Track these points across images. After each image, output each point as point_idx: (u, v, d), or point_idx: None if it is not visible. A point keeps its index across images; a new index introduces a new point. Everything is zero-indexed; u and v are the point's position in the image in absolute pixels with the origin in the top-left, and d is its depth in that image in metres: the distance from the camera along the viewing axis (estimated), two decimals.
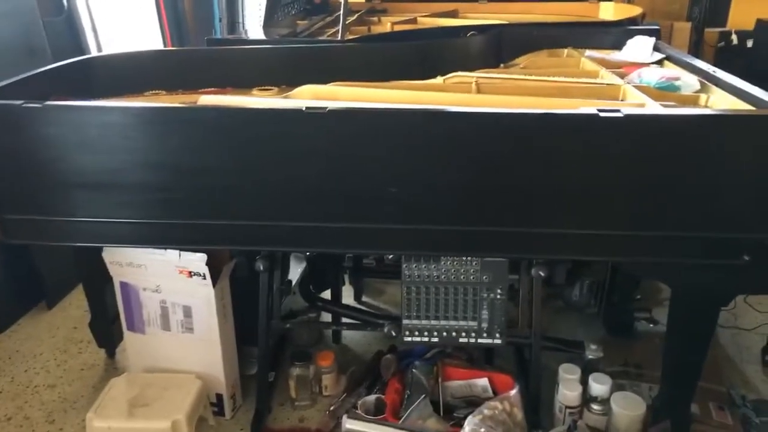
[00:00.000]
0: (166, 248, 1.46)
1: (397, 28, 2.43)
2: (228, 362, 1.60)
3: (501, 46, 2.12)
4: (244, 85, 1.77)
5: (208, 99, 1.52)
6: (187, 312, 1.55)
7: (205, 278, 1.47)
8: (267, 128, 1.24)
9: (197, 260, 1.45)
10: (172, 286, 1.52)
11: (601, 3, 2.64)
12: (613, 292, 1.89)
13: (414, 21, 2.56)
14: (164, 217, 1.32)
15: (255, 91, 1.72)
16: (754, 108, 1.31)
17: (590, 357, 1.63)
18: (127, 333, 1.65)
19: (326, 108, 1.20)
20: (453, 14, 2.69)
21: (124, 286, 1.59)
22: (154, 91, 1.68)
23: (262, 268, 1.50)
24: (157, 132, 1.26)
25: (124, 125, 1.25)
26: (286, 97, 1.58)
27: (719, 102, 1.47)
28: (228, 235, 1.34)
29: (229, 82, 1.78)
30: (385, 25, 2.52)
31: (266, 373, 1.62)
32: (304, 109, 1.20)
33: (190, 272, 1.48)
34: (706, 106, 1.50)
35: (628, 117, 1.15)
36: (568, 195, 1.23)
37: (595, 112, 1.15)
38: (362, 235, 1.32)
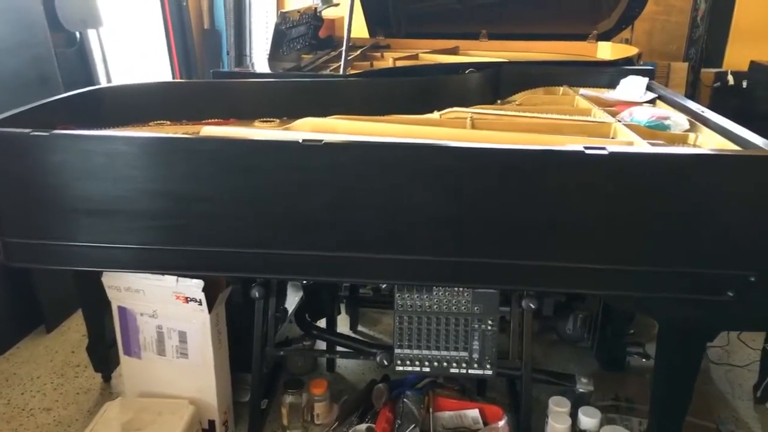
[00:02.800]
0: (164, 274, 1.49)
1: (399, 63, 2.51)
2: (221, 388, 1.62)
3: (499, 83, 2.18)
4: (247, 116, 1.82)
5: (210, 130, 1.57)
6: (183, 337, 1.57)
7: (201, 304, 1.50)
8: (264, 159, 1.29)
9: (194, 286, 1.49)
10: (168, 311, 1.55)
11: (599, 43, 2.70)
12: (606, 326, 1.91)
13: (416, 57, 2.63)
14: (163, 243, 1.36)
15: (257, 123, 1.77)
16: (740, 148, 1.35)
17: (581, 390, 1.64)
18: (123, 357, 1.67)
19: (322, 140, 1.25)
20: (454, 51, 2.76)
21: (122, 310, 1.62)
22: (159, 122, 1.74)
23: (257, 295, 1.53)
24: (160, 161, 1.31)
25: (128, 154, 1.30)
26: (286, 129, 1.63)
27: (707, 141, 1.51)
28: (224, 262, 1.38)
29: (232, 114, 1.83)
30: (388, 60, 2.60)
31: (259, 400, 1.64)
32: (300, 140, 1.25)
33: (186, 298, 1.51)
34: (694, 145, 1.54)
35: (612, 154, 1.19)
36: (557, 229, 1.26)
37: (581, 149, 1.19)
38: (356, 265, 1.35)
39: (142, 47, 2.97)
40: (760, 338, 1.95)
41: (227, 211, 1.32)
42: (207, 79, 2.30)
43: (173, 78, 2.98)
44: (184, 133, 1.54)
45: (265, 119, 1.79)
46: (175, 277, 1.49)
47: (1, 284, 2.06)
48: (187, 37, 3.03)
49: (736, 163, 1.23)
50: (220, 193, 1.31)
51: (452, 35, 2.82)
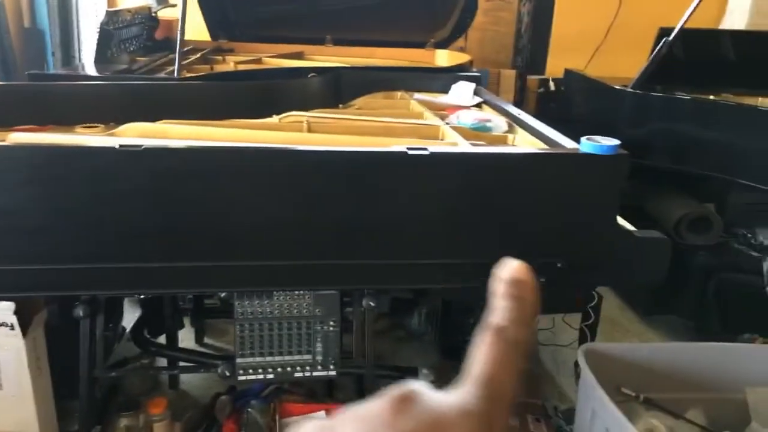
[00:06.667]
0: None
1: (241, 67, 2.46)
2: (45, 419, 1.48)
3: (340, 88, 2.21)
4: (67, 122, 1.68)
5: (19, 137, 1.43)
6: None
7: (13, 329, 1.37)
8: (79, 166, 1.20)
9: (4, 309, 1.35)
10: None
11: (437, 50, 2.85)
12: (446, 318, 2.01)
13: (259, 61, 2.60)
14: None
15: (78, 129, 1.64)
16: (547, 147, 1.48)
17: (422, 381, 1.71)
18: None
19: (141, 146, 1.19)
20: (298, 56, 2.76)
21: None
22: None
23: (81, 314, 1.42)
24: None
25: None
26: (110, 135, 1.53)
27: (522, 141, 1.64)
28: (39, 281, 1.26)
29: (51, 120, 1.68)
30: (229, 64, 2.54)
31: (89, 427, 1.52)
32: (117, 146, 1.18)
33: None
34: (512, 145, 1.67)
35: (433, 154, 1.25)
36: (389, 227, 1.31)
37: (404, 149, 1.24)
38: (187, 274, 1.30)
39: None
40: (579, 319, 2.16)
41: (38, 224, 1.21)
42: (22, 81, 2.10)
43: None
44: None
45: (88, 125, 1.67)
46: None
47: None
48: (4, 36, 2.75)
49: (543, 160, 1.36)
50: (29, 204, 1.20)
51: (298, 40, 2.82)
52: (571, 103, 2.74)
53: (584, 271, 1.36)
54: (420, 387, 0.31)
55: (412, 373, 1.74)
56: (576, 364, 1.96)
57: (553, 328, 2.15)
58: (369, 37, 2.84)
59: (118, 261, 1.26)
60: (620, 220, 1.39)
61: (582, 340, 1.84)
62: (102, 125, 1.68)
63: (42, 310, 1.44)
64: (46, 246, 1.23)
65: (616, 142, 1.31)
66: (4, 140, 1.43)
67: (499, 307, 0.32)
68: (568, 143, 1.42)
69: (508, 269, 0.34)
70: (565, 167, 1.35)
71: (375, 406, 0.29)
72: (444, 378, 1.61)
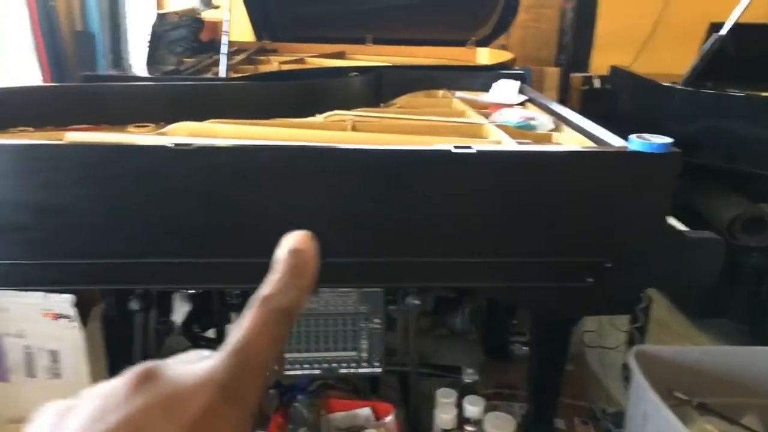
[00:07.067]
0: (28, 290, 1.39)
1: (284, 67, 2.49)
2: None
3: (381, 87, 2.22)
4: (120, 122, 1.74)
5: (75, 136, 1.49)
6: (54, 357, 1.48)
7: (72, 320, 1.42)
8: (132, 164, 1.24)
9: (63, 302, 1.40)
10: (36, 329, 1.45)
11: (479, 49, 2.83)
12: (491, 318, 2.00)
13: (302, 61, 2.63)
14: (25, 257, 1.27)
15: (130, 128, 1.70)
16: (594, 145, 1.46)
17: (466, 380, 1.71)
18: None
19: (193, 144, 1.22)
20: (340, 55, 2.79)
21: None
22: (20, 129, 1.62)
23: (136, 307, 1.47)
24: (18, 170, 1.23)
25: None
26: (160, 134, 1.58)
27: (568, 140, 1.62)
28: (96, 275, 1.30)
29: (104, 119, 1.74)
30: (273, 64, 2.57)
31: None
32: (170, 144, 1.21)
33: (56, 314, 1.42)
34: (558, 143, 1.65)
35: (479, 153, 1.25)
36: (433, 225, 1.31)
37: (449, 148, 1.24)
38: (234, 270, 1.33)
39: (6, 51, 2.76)
40: (627, 321, 2.12)
41: (94, 221, 1.25)
42: (77, 82, 2.17)
43: (43, 83, 2.79)
44: (45, 140, 1.45)
45: (139, 124, 1.72)
46: (42, 293, 1.40)
47: None
48: (57, 39, 2.84)
49: (590, 159, 1.34)
50: (85, 201, 1.24)
51: (339, 39, 2.85)
52: (616, 100, 2.68)
53: (633, 271, 1.34)
54: (168, 361, 0.30)
55: (456, 371, 1.73)
56: (624, 367, 1.93)
57: (600, 330, 2.12)
58: (409, 36, 2.85)
59: (168, 256, 1.29)
60: (671, 220, 1.36)
61: (630, 342, 1.81)
62: (152, 125, 1.73)
63: (99, 303, 1.49)
64: (101, 241, 1.27)
65: (667, 139, 1.28)
66: (61, 139, 1.49)
67: (271, 277, 0.32)
68: (616, 141, 1.40)
69: (289, 239, 0.34)
70: (613, 166, 1.33)
71: (116, 383, 0.29)
72: (487, 377, 1.61)
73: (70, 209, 1.24)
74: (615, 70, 2.71)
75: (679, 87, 2.14)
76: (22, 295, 1.41)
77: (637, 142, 1.28)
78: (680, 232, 1.35)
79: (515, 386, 1.82)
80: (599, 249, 1.31)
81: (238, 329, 0.31)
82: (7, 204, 1.22)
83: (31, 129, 1.63)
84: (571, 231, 1.30)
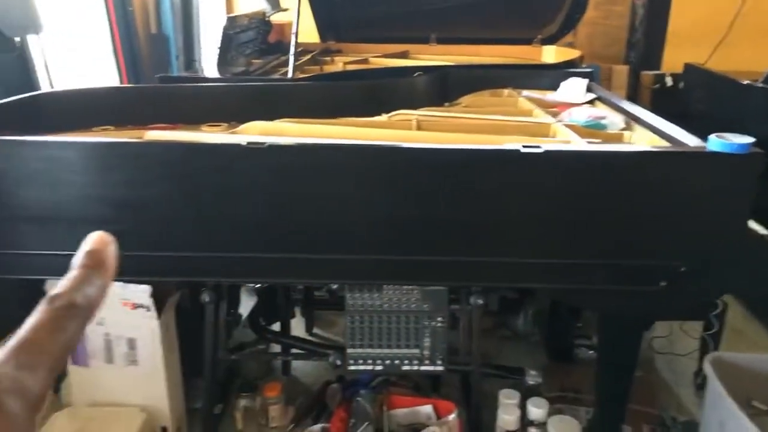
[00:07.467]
0: None
1: (349, 68, 2.53)
2: (173, 395, 1.60)
3: (446, 86, 2.22)
4: (194, 121, 1.81)
5: (154, 134, 1.56)
6: (132, 344, 1.56)
7: (149, 310, 1.49)
8: (208, 162, 1.29)
9: (141, 292, 1.47)
10: (115, 318, 1.53)
11: (544, 47, 2.78)
12: (554, 320, 1.97)
13: (366, 61, 2.66)
14: None
15: (204, 128, 1.76)
16: (669, 144, 1.41)
17: (530, 382, 1.69)
18: (70, 367, 1.64)
19: (265, 143, 1.25)
20: (404, 55, 2.80)
21: None
22: (103, 127, 1.71)
23: (208, 299, 1.52)
24: (100, 166, 1.30)
25: (68, 160, 1.28)
26: (233, 133, 1.63)
27: (640, 139, 1.57)
28: (172, 267, 1.37)
29: (179, 119, 1.82)
30: (338, 64, 2.61)
31: (213, 405, 1.63)
32: (244, 143, 1.26)
33: (134, 304, 1.49)
34: (629, 143, 1.60)
35: (547, 152, 1.23)
36: (499, 225, 1.30)
37: (518, 147, 1.23)
38: (305, 266, 1.36)
39: (87, 53, 2.91)
40: (700, 328, 2.04)
41: (173, 216, 1.31)
42: (154, 83, 2.27)
43: (121, 84, 2.93)
44: (127, 138, 1.53)
45: (212, 123, 1.79)
46: (122, 284, 1.47)
47: None
48: (134, 41, 2.98)
49: (666, 159, 1.29)
50: (163, 197, 1.30)
51: (403, 39, 2.86)
52: (690, 99, 2.58)
53: (709, 276, 1.29)
54: None
55: (519, 373, 1.71)
56: (696, 374, 1.86)
57: (670, 335, 2.05)
58: (473, 34, 2.83)
59: (239, 251, 1.34)
60: (752, 223, 1.31)
61: (703, 349, 1.74)
62: (224, 124, 1.80)
63: (174, 294, 1.56)
64: (177, 235, 1.33)
65: (749, 139, 1.23)
66: (141, 138, 1.56)
67: (65, 278, 0.33)
68: (692, 141, 1.35)
69: (88, 239, 0.35)
70: (690, 166, 1.28)
71: None
72: (551, 380, 1.59)
73: (148, 204, 1.30)
74: (690, 68, 2.61)
75: (760, 85, 2.04)
76: None
77: (716, 142, 1.23)
78: (762, 236, 1.29)
79: (579, 390, 1.78)
80: (673, 252, 1.27)
81: (21, 328, 0.31)
82: (89, 198, 1.30)
83: (112, 128, 1.72)
84: (643, 233, 1.27)
